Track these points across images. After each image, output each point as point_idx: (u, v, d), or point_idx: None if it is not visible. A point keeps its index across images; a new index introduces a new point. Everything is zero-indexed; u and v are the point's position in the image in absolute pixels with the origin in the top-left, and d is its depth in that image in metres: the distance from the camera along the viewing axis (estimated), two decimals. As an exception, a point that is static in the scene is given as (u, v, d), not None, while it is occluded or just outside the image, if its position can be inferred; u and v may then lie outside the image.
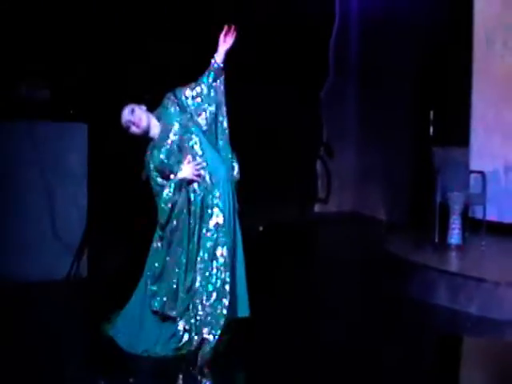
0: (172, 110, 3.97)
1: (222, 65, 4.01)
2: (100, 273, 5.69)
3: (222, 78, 4.03)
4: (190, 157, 3.89)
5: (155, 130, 3.94)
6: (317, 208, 9.29)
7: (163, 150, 3.89)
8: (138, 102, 4.00)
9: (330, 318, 4.83)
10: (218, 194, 3.91)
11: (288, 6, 8.40)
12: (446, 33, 7.31)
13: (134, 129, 3.90)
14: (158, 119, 3.97)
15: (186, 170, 3.87)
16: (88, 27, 6.82)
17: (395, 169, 8.35)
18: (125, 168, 5.94)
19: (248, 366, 3.99)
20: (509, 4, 6.85)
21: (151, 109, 4.02)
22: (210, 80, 4.00)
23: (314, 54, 8.94)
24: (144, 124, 3.89)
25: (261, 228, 7.74)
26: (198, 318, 3.82)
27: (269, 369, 3.89)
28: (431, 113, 7.04)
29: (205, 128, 4.00)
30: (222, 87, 4.03)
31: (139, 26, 7.11)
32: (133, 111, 3.89)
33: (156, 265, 3.94)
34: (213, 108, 4.01)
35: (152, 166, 3.90)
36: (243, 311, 4.04)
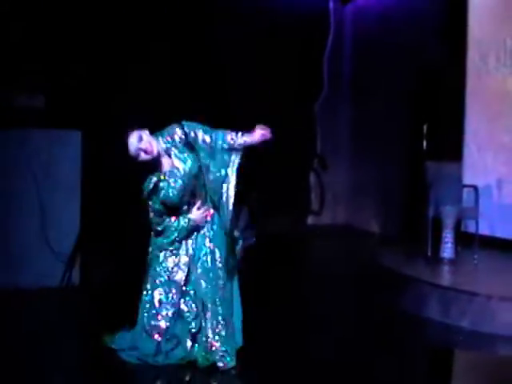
0: (182, 148, 3.87)
1: (242, 147, 3.95)
2: (92, 281, 5.67)
3: (239, 155, 3.96)
4: (199, 202, 3.90)
5: (163, 161, 3.85)
6: (310, 220, 9.30)
7: (175, 190, 3.81)
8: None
9: (322, 331, 4.82)
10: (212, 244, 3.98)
11: (283, 19, 8.45)
12: (439, 48, 7.36)
13: (144, 156, 3.77)
14: (166, 151, 3.85)
15: (195, 215, 3.88)
16: (83, 34, 6.83)
17: (388, 182, 8.38)
18: (118, 176, 5.93)
19: (241, 379, 3.97)
20: (502, 19, 6.91)
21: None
22: (224, 146, 3.92)
23: (308, 68, 8.99)
24: (155, 151, 3.78)
25: (254, 239, 7.72)
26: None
27: (262, 382, 3.87)
28: (424, 127, 7.08)
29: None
30: (238, 160, 3.95)
31: (135, 31, 7.13)
32: (141, 138, 3.75)
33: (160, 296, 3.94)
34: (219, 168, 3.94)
35: (157, 199, 3.83)
36: (238, 341, 4.09)
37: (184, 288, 3.92)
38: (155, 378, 3.85)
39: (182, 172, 3.85)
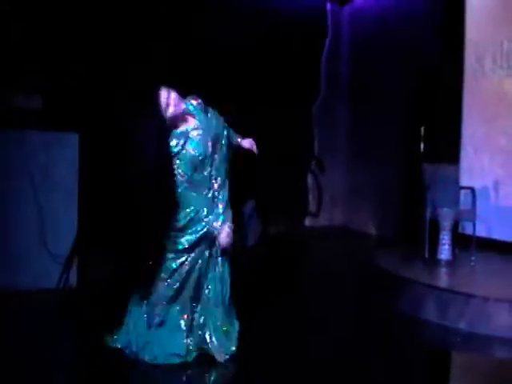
0: (203, 110, 4.07)
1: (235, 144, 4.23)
2: (89, 283, 5.67)
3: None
4: (230, 226, 3.98)
5: (188, 118, 3.99)
6: (308, 222, 9.31)
7: (202, 141, 3.95)
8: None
9: (320, 332, 4.83)
10: None
11: (281, 20, 8.46)
12: (436, 49, 7.38)
13: (172, 110, 3.90)
14: (189, 110, 4.01)
15: (224, 236, 3.95)
16: (82, 34, 6.82)
17: (386, 184, 8.39)
18: (115, 178, 5.92)
19: (240, 378, 3.98)
20: (499, 21, 6.93)
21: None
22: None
23: (306, 69, 8.99)
24: (182, 105, 3.94)
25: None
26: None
27: (261, 382, 3.88)
28: (422, 129, 7.09)
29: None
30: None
31: (135, 31, 7.13)
32: (169, 93, 3.90)
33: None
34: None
35: (183, 158, 3.89)
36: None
37: (180, 291, 3.96)
38: (155, 377, 3.86)
39: (207, 126, 3.99)
